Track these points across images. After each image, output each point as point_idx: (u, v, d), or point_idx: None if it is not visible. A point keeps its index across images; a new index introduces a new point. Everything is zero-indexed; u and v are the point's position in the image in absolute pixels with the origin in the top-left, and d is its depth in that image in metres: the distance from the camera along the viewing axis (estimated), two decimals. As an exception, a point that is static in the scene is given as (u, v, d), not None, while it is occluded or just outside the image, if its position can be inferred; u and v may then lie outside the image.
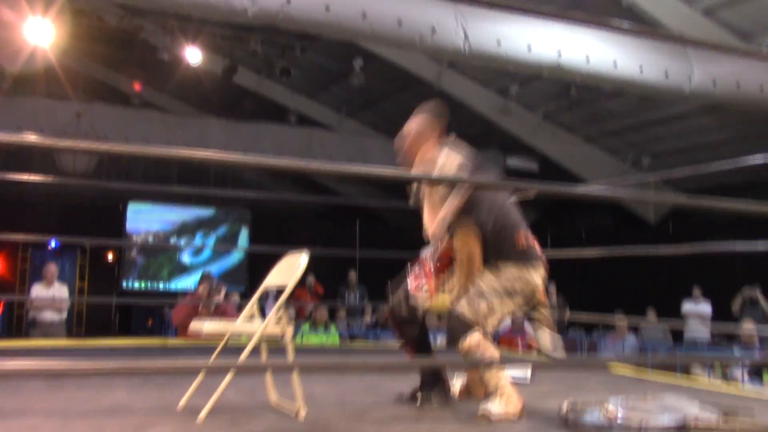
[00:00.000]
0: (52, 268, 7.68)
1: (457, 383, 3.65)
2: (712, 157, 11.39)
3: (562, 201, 14.10)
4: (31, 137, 2.33)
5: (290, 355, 3.15)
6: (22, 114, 10.74)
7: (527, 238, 3.33)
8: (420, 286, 3.42)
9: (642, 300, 9.43)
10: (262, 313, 7.53)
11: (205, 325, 3.03)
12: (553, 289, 10.74)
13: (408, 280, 3.48)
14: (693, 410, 3.15)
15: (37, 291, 7.64)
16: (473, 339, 3.20)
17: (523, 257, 3.29)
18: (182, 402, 3.15)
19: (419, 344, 3.50)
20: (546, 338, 3.46)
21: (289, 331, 3.14)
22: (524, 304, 3.37)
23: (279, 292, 3.19)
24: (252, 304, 3.40)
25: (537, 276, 3.33)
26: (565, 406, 3.28)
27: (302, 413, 3.02)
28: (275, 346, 3.27)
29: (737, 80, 8.15)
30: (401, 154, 3.55)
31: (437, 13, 7.28)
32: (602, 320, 8.66)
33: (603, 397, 3.48)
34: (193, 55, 9.81)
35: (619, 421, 2.99)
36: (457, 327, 3.23)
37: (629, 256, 7.04)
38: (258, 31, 9.67)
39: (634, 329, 9.15)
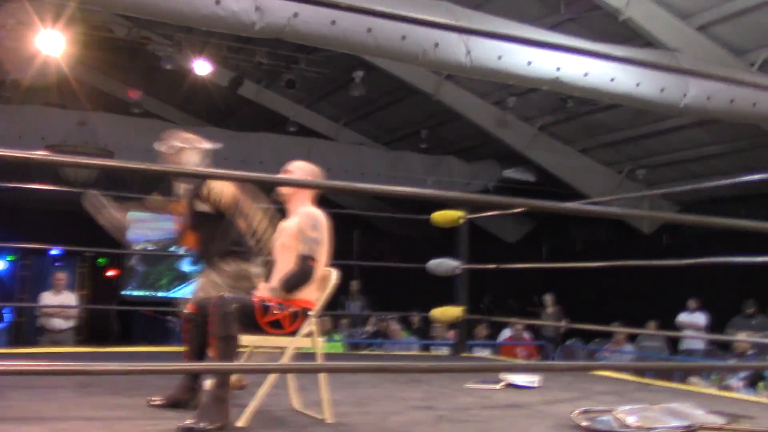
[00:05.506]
0: (61, 276, 7.78)
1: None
2: (705, 169, 11.62)
3: (559, 213, 14.25)
4: (38, 153, 2.40)
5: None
6: (25, 122, 10.80)
7: None
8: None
9: (640, 311, 9.56)
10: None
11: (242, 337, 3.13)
12: (550, 299, 10.89)
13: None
14: (699, 415, 3.30)
15: (47, 299, 7.72)
16: None
17: None
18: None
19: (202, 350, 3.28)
20: None
21: (320, 343, 3.27)
22: None
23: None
24: None
25: None
26: (577, 413, 3.43)
27: (330, 417, 3.16)
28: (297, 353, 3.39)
29: (731, 97, 8.37)
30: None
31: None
32: (600, 330, 8.81)
33: (611, 403, 3.64)
34: (201, 67, 9.95)
35: (631, 427, 3.13)
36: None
37: (628, 267, 7.18)
38: (263, 43, 9.80)
39: (632, 339, 9.28)
